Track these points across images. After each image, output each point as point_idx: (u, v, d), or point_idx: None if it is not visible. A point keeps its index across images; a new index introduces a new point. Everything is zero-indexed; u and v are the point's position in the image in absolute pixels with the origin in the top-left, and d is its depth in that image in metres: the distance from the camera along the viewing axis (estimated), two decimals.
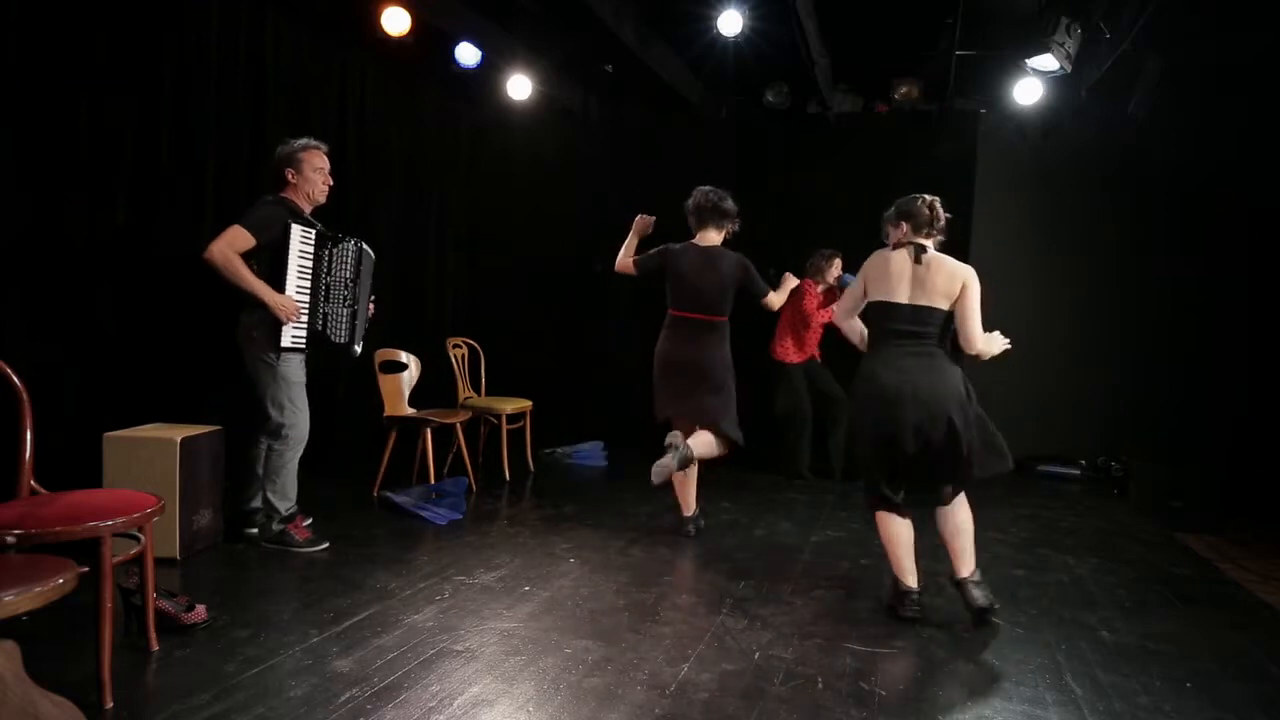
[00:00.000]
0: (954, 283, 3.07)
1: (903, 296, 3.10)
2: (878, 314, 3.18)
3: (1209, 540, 4.55)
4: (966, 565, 3.17)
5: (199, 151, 4.34)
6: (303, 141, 3.71)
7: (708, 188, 4.16)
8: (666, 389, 4.16)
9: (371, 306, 4.03)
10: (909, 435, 3.05)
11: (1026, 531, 4.56)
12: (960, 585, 3.16)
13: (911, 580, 3.20)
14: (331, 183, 3.79)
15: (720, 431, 4.06)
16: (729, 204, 4.13)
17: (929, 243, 3.16)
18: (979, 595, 3.11)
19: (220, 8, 4.42)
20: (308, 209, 3.75)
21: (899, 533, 3.22)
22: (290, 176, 3.68)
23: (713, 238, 4.13)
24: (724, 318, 4.11)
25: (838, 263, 5.55)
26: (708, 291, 4.05)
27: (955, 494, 3.20)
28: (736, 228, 4.20)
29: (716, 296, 4.06)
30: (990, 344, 3.15)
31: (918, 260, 3.10)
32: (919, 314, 3.08)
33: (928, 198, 3.19)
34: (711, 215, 4.11)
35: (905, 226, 3.19)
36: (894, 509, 3.21)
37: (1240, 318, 5.88)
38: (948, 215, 3.21)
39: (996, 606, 3.13)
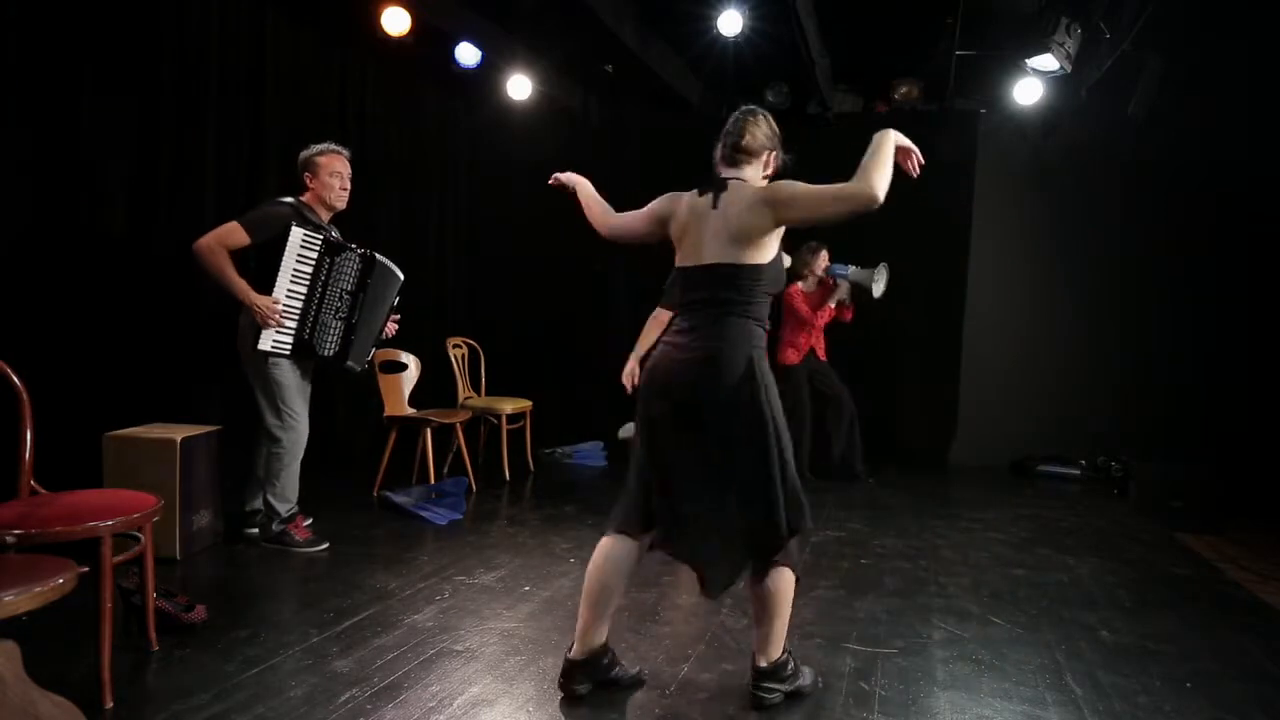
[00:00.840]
0: (751, 215, 2.24)
1: (696, 256, 2.31)
2: (679, 285, 2.42)
3: (1209, 540, 4.55)
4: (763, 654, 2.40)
5: (199, 151, 4.35)
6: (321, 146, 3.69)
7: None
8: None
9: (393, 326, 3.94)
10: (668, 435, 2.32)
11: (1026, 531, 4.56)
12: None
13: (579, 647, 2.40)
14: (349, 187, 3.74)
15: None
16: None
17: (746, 173, 2.37)
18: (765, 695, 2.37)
19: (220, 8, 4.42)
20: (326, 215, 3.72)
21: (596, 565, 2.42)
22: (308, 181, 3.66)
23: None
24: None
25: (824, 254, 5.50)
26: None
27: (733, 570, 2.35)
28: None
29: None
30: (885, 158, 2.20)
31: (715, 203, 2.31)
32: (713, 276, 2.28)
33: (747, 110, 2.41)
34: None
35: (716, 153, 2.42)
36: (624, 531, 2.42)
37: (1240, 318, 5.88)
38: (777, 131, 2.42)
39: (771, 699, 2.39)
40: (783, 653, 2.42)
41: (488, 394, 5.68)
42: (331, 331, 3.67)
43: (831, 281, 5.46)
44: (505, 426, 5.36)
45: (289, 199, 3.64)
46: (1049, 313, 6.38)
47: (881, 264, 5.28)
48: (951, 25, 5.05)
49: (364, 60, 5.54)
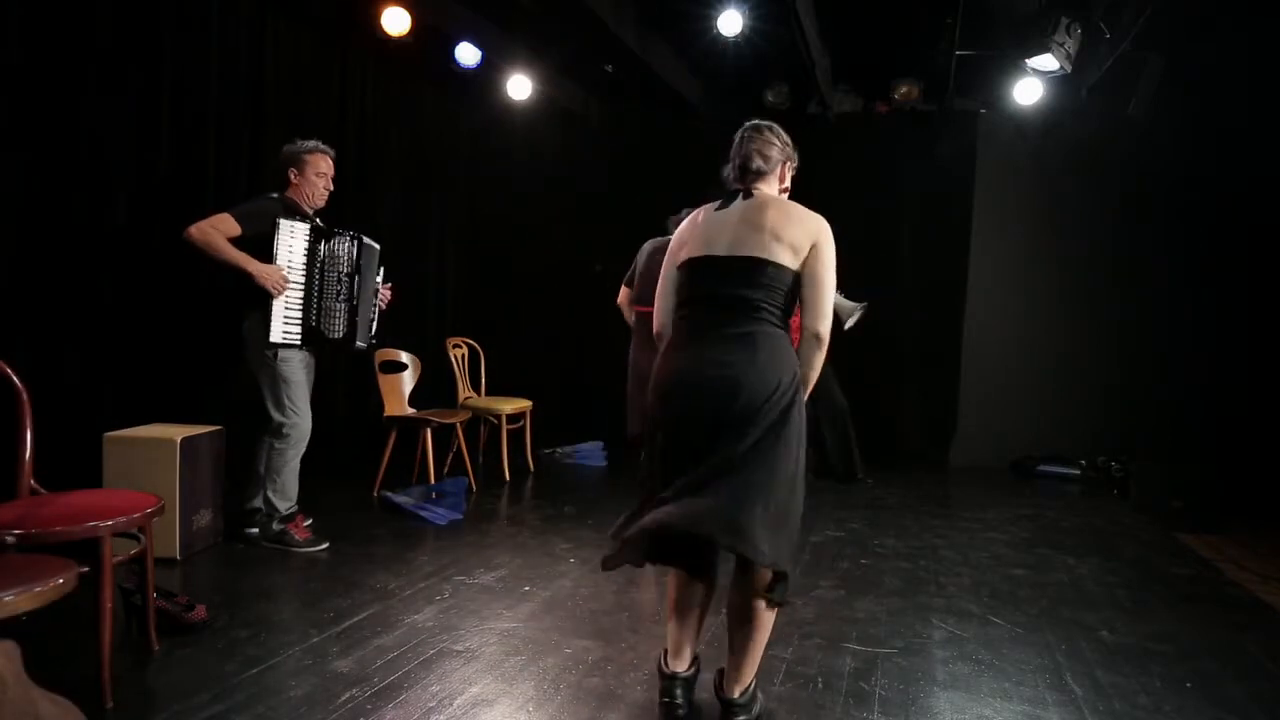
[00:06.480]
0: (794, 230, 2.22)
1: (719, 246, 2.26)
2: (685, 280, 2.35)
3: (1209, 540, 4.55)
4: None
5: (199, 151, 4.34)
6: (311, 144, 3.72)
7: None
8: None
9: (388, 293, 4.06)
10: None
11: (1026, 531, 4.56)
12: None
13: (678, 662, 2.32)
14: (332, 188, 3.80)
15: None
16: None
17: (761, 189, 2.34)
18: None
19: (220, 8, 4.42)
20: (308, 210, 3.76)
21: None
22: (293, 176, 3.70)
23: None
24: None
25: None
26: None
27: None
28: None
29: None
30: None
31: (730, 206, 2.33)
32: (738, 268, 2.25)
33: (752, 126, 2.39)
34: None
35: (727, 172, 2.41)
36: None
37: (1240, 318, 5.88)
38: (788, 141, 2.44)
39: None
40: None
41: (488, 394, 5.67)
42: (337, 315, 3.77)
43: None
44: (505, 426, 5.36)
45: (274, 193, 3.69)
46: (1049, 312, 6.38)
47: (864, 305, 5.24)
48: (951, 25, 5.05)
49: (364, 60, 5.54)
